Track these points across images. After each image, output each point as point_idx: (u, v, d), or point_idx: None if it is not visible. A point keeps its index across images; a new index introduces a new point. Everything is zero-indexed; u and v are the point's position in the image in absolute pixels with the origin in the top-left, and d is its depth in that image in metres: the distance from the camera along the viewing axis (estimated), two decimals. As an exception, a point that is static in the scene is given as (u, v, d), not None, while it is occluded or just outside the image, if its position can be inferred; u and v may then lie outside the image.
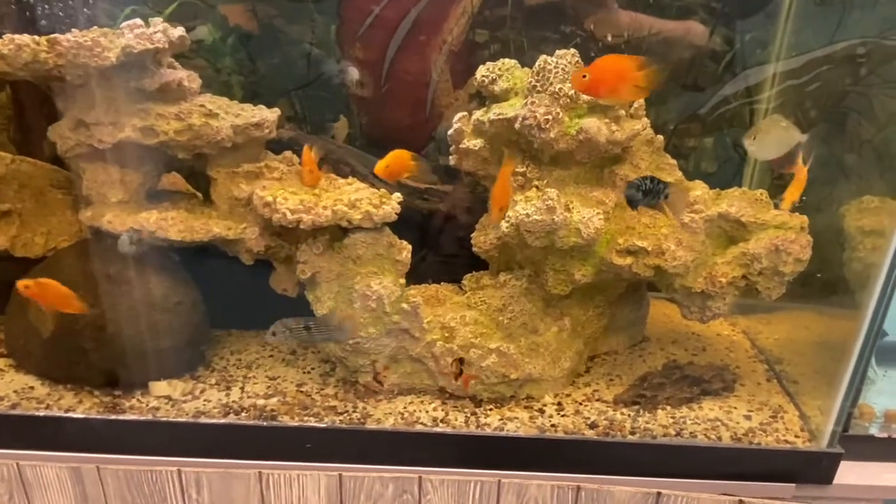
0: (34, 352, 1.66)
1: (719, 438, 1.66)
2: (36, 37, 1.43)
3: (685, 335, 2.15)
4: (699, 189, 1.75)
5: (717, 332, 2.19)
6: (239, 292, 1.94)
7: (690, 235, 1.69)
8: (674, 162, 1.79)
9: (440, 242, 2.07)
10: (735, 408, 1.78)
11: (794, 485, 1.63)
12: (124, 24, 1.53)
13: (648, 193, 1.52)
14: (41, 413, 1.59)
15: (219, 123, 1.58)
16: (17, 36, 1.41)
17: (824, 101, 2.04)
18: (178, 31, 1.56)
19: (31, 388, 1.67)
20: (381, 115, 2.20)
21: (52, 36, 1.43)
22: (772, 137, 1.68)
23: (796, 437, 1.68)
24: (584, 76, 1.43)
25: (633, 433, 1.67)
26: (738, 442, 1.66)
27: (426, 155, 2.21)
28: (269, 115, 1.68)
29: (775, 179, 2.26)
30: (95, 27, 1.57)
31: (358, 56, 2.09)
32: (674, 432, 1.68)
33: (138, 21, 1.53)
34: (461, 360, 1.70)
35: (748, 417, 1.74)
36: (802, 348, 2.05)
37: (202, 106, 1.59)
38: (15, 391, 1.65)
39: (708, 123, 2.24)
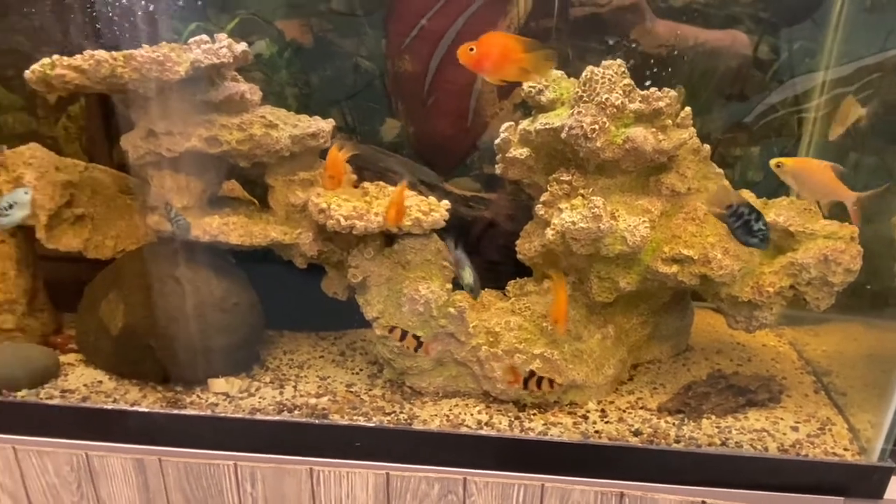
0: (103, 348, 1.77)
1: (766, 449, 1.66)
2: (114, 52, 1.53)
3: (730, 345, 2.14)
4: (746, 198, 1.76)
5: (762, 343, 2.17)
6: (291, 295, 2.02)
7: (737, 244, 1.69)
8: (720, 171, 1.80)
9: (484, 249, 2.11)
10: (781, 419, 1.77)
11: (842, 499, 1.61)
12: (192, 39, 1.62)
13: (743, 225, 1.50)
14: (109, 406, 1.69)
15: (278, 134, 1.67)
16: (96, 52, 1.52)
17: (875, 109, 2.02)
18: (241, 46, 1.65)
19: (100, 382, 1.78)
20: (426, 125, 2.27)
21: (128, 52, 1.53)
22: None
23: (845, 450, 1.66)
24: (472, 49, 1.40)
25: (677, 441, 1.68)
26: (785, 453, 1.65)
27: (470, 164, 2.27)
28: (324, 125, 1.76)
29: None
30: (164, 42, 1.68)
31: (403, 67, 2.16)
32: (719, 442, 1.67)
33: (205, 37, 1.62)
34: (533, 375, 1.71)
35: (795, 429, 1.73)
36: (851, 360, 2.02)
37: (263, 117, 1.67)
38: (85, 385, 1.76)
39: (754, 132, 2.24)
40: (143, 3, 1.79)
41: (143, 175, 1.72)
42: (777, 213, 1.71)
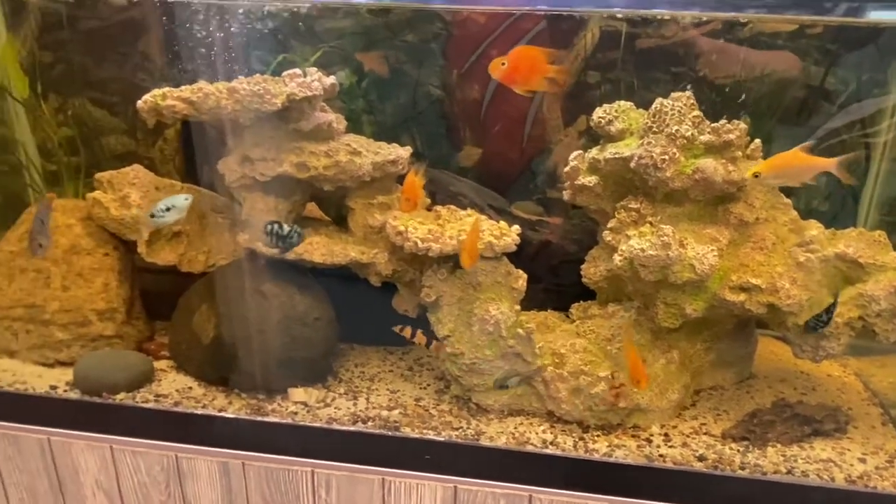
0: (194, 356, 1.90)
1: (832, 479, 1.66)
2: (218, 85, 1.67)
3: (793, 374, 2.14)
4: (814, 229, 1.78)
5: (827, 373, 2.16)
6: (361, 310, 2.12)
7: (805, 274, 1.71)
8: (788, 202, 1.82)
9: (548, 271, 2.17)
10: (848, 450, 1.76)
11: (913, 533, 1.60)
12: (286, 73, 1.75)
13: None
14: (198, 411, 1.81)
15: (361, 160, 1.78)
16: (203, 84, 1.66)
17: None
18: (331, 80, 1.77)
19: (190, 388, 1.90)
20: (483, 149, 2.35)
21: (231, 84, 1.67)
22: None
23: (917, 484, 1.65)
24: (503, 63, 1.48)
25: (742, 468, 1.69)
26: (853, 484, 1.65)
27: (530, 189, 2.34)
28: (402, 152, 1.86)
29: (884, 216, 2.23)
30: (258, 74, 1.81)
31: (463, 93, 2.25)
32: (784, 470, 1.68)
33: (298, 71, 1.75)
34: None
35: (863, 460, 1.72)
36: (921, 394, 2.00)
37: (348, 144, 1.79)
38: (177, 390, 1.89)
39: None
40: (234, 36, 1.94)
41: (235, 196, 1.86)
42: (846, 244, 1.73)
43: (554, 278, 2.15)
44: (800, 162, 1.64)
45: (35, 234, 1.72)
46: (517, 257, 1.86)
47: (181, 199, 1.73)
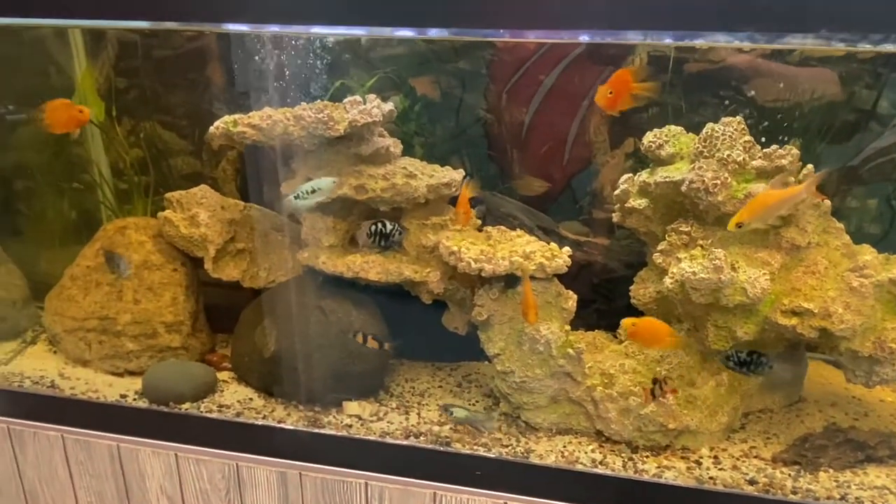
0: (255, 368, 1.98)
1: (889, 507, 1.65)
2: (284, 111, 1.76)
3: (844, 398, 2.12)
4: (868, 254, 1.77)
5: (880, 399, 2.13)
6: (412, 327, 2.18)
7: (859, 299, 1.71)
8: (841, 226, 1.82)
9: (596, 291, 2.20)
10: (905, 478, 1.75)
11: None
12: (347, 100, 1.84)
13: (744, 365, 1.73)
14: (259, 422, 1.89)
15: (417, 183, 1.85)
16: (271, 111, 1.76)
17: None
18: (389, 106, 1.85)
19: (251, 399, 1.99)
20: (524, 168, 2.40)
21: (297, 111, 1.76)
22: None
23: (977, 514, 1.62)
24: (610, 93, 1.58)
25: (794, 493, 1.69)
26: (910, 513, 1.63)
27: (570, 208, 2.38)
28: (455, 175, 1.93)
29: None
30: (320, 101, 1.90)
31: (505, 115, 2.30)
32: (837, 496, 1.67)
33: (358, 98, 1.83)
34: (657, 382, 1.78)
35: (920, 489, 1.71)
36: (980, 422, 1.96)
37: (404, 168, 1.86)
38: (238, 401, 1.97)
39: (865, 178, 2.22)
40: (294, 63, 2.04)
41: (296, 216, 1.94)
42: (901, 269, 1.72)
43: (601, 298, 2.18)
44: (775, 199, 1.64)
45: (117, 270, 1.84)
46: (566, 277, 1.90)
47: (328, 182, 1.77)
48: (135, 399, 1.97)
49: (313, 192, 1.75)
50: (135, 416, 1.94)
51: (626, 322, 1.75)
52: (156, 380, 1.94)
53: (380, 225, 1.78)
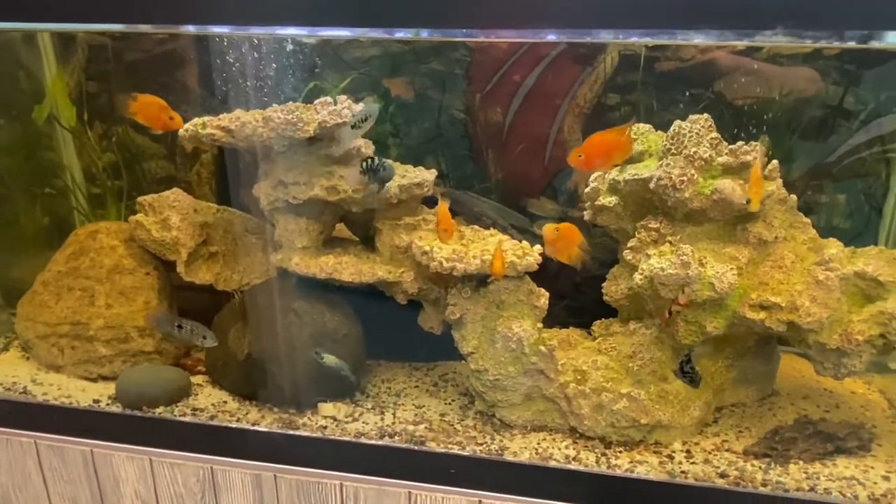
0: (229, 371, 1.98)
1: (856, 497, 1.66)
2: (254, 113, 1.77)
3: (816, 391, 2.14)
4: (834, 247, 1.80)
5: (850, 390, 2.16)
6: (388, 327, 2.19)
7: (825, 292, 1.73)
8: (807, 220, 1.85)
9: (569, 289, 2.21)
10: (872, 468, 1.77)
11: (939, 552, 1.60)
12: (317, 101, 1.84)
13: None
14: (233, 425, 1.88)
15: (388, 183, 1.85)
16: (240, 113, 1.76)
17: None
18: (360, 107, 1.85)
19: (225, 402, 1.98)
20: (503, 169, 2.42)
21: (267, 113, 1.76)
22: None
23: (942, 502, 1.65)
24: (580, 156, 1.65)
25: (764, 485, 1.71)
26: (877, 502, 1.65)
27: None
28: (428, 175, 1.94)
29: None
30: (291, 102, 1.91)
31: (484, 115, 2.32)
32: (807, 487, 1.69)
33: (329, 99, 1.84)
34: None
35: (886, 478, 1.73)
36: (947, 412, 1.99)
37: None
38: (212, 404, 1.97)
39: (837, 175, 2.26)
40: (267, 65, 2.04)
41: (269, 218, 1.94)
42: (865, 262, 1.74)
43: (575, 296, 2.20)
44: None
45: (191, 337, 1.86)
46: (538, 275, 1.91)
47: (374, 107, 1.76)
48: (108, 404, 1.97)
49: (365, 120, 1.73)
50: (108, 421, 1.93)
51: (549, 228, 1.76)
52: (129, 384, 1.93)
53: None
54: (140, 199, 2.05)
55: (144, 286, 2.04)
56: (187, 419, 1.90)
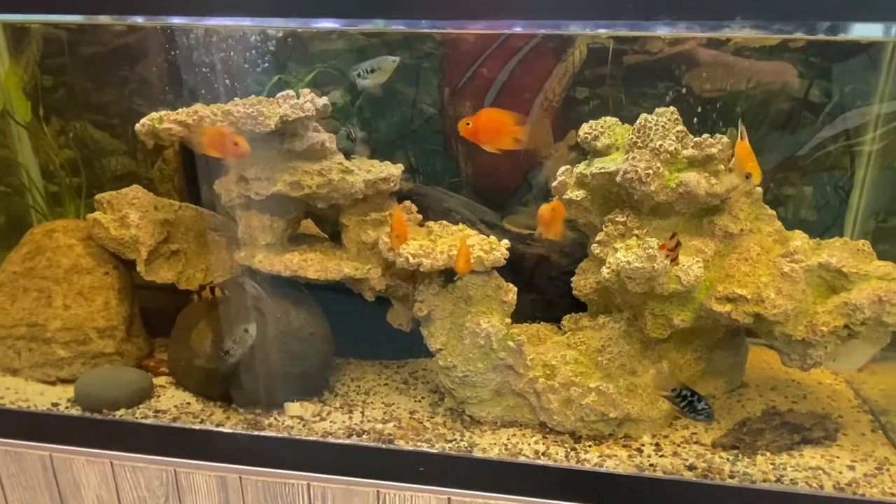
0: (192, 372, 1.94)
1: (821, 487, 1.68)
2: (213, 107, 1.72)
3: (784, 382, 2.16)
4: (799, 239, 1.81)
5: (818, 381, 2.18)
6: (359, 325, 2.16)
7: (790, 284, 1.74)
8: (773, 213, 1.86)
9: (540, 284, 2.20)
10: (837, 457, 1.78)
11: (901, 540, 1.62)
12: (279, 94, 1.80)
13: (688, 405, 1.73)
14: (196, 427, 1.84)
15: (353, 178, 1.82)
16: (198, 107, 1.71)
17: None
18: (323, 101, 1.82)
19: (189, 403, 1.94)
20: (479, 164, 2.40)
21: (226, 107, 1.72)
22: (850, 355, 1.76)
23: (905, 490, 1.67)
24: (468, 124, 1.64)
25: (731, 477, 1.71)
26: (842, 492, 1.66)
27: (526, 203, 2.38)
28: (394, 170, 1.91)
29: (880, 222, 2.26)
30: (253, 96, 1.86)
31: (458, 109, 2.30)
32: (773, 478, 1.70)
33: (291, 92, 1.80)
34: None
35: (851, 468, 1.74)
36: (910, 400, 2.02)
37: (340, 163, 1.83)
38: (175, 406, 1.92)
39: (805, 168, 2.28)
40: (231, 58, 2.00)
41: (232, 215, 1.90)
42: (830, 253, 1.76)
43: (546, 291, 2.19)
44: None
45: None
46: (508, 270, 1.90)
47: (388, 61, 1.69)
48: (67, 407, 1.91)
49: (372, 71, 1.68)
50: (67, 425, 1.88)
51: (545, 209, 1.81)
52: (88, 387, 1.88)
53: (343, 129, 1.79)
54: (98, 196, 1.99)
55: (104, 286, 1.98)
56: (149, 421, 1.86)
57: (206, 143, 1.73)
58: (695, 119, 2.06)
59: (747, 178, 1.65)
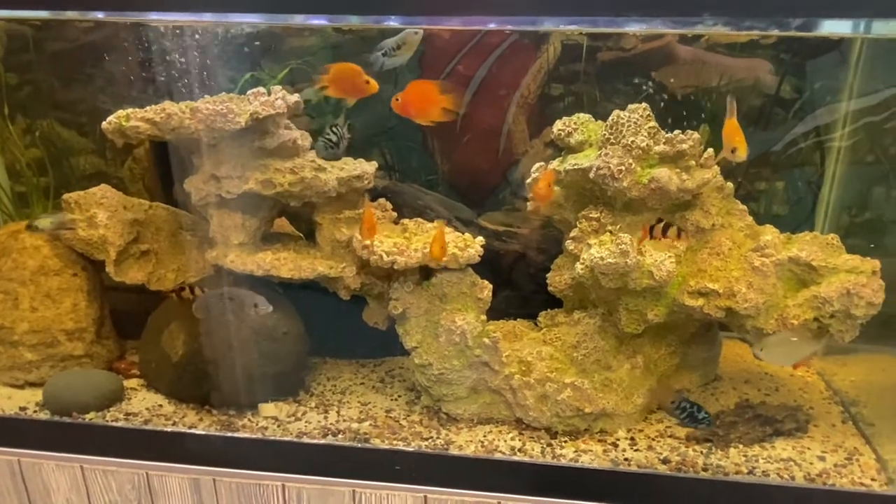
0: (164, 374, 1.91)
1: (792, 478, 1.70)
2: (182, 105, 1.70)
3: (758, 375, 2.19)
4: (769, 234, 1.83)
5: (790, 373, 2.21)
6: (333, 324, 2.14)
7: (761, 278, 1.76)
8: (744, 208, 1.88)
9: (516, 281, 2.21)
10: (808, 448, 1.81)
11: (870, 528, 1.65)
12: (250, 91, 1.78)
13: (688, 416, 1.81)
14: (168, 429, 1.82)
15: (326, 176, 1.81)
16: (167, 105, 1.69)
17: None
18: (295, 97, 1.80)
19: (161, 406, 1.91)
20: (460, 162, 2.39)
21: (194, 104, 1.69)
22: (782, 349, 1.78)
23: (872, 480, 1.69)
24: (397, 99, 1.65)
25: (705, 469, 1.73)
26: (812, 482, 1.69)
27: (502, 200, 2.38)
28: (368, 168, 1.90)
29: (853, 216, 2.29)
30: (224, 93, 1.84)
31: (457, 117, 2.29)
32: (746, 470, 1.72)
33: (262, 90, 1.78)
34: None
35: (822, 458, 1.77)
36: (880, 391, 2.05)
37: (312, 161, 1.82)
38: (147, 408, 1.89)
39: (778, 166, 2.30)
40: (202, 55, 1.97)
41: (203, 214, 1.88)
42: (800, 248, 1.78)
43: (522, 287, 2.19)
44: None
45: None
46: (485, 268, 1.89)
47: (412, 34, 1.65)
48: (35, 411, 1.87)
49: (399, 47, 1.64)
50: (36, 429, 1.84)
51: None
52: (56, 390, 1.85)
53: (322, 139, 1.79)
54: (66, 196, 1.95)
55: (72, 288, 1.94)
56: (120, 424, 1.83)
57: (334, 82, 1.67)
58: (668, 115, 2.08)
59: (733, 152, 1.66)
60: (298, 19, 1.81)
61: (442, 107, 1.64)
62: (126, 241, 1.93)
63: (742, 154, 1.66)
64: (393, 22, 1.88)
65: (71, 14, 1.92)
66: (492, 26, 2.10)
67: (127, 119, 1.70)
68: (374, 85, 1.69)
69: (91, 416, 1.85)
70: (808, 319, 1.74)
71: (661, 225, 1.73)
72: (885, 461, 1.75)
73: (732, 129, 1.66)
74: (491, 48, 2.24)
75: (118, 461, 1.80)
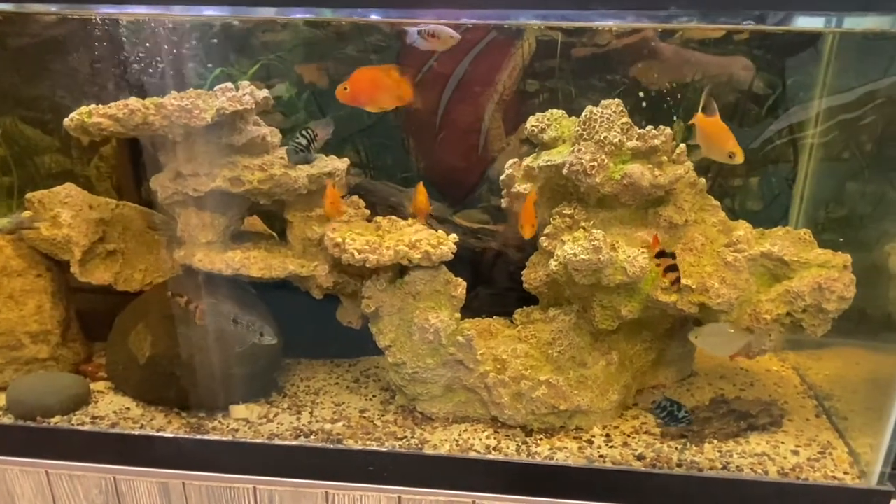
0: (131, 376, 1.87)
1: (766, 473, 1.70)
2: (146, 101, 1.66)
3: (733, 370, 2.19)
4: (742, 229, 1.83)
5: (766, 368, 2.22)
6: (307, 324, 2.11)
7: (734, 273, 1.76)
8: (717, 203, 1.87)
9: (491, 278, 2.19)
10: (782, 443, 1.81)
11: (843, 522, 1.65)
12: (217, 87, 1.75)
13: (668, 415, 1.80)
14: (136, 432, 1.78)
15: (296, 173, 1.78)
16: (130, 101, 1.65)
17: (878, 135, 2.07)
18: (263, 93, 1.77)
19: (128, 409, 1.87)
20: (438, 160, 2.37)
21: (158, 100, 1.66)
22: (716, 339, 1.77)
23: (845, 473, 1.70)
24: (346, 88, 1.59)
25: (679, 465, 1.73)
26: (785, 477, 1.69)
27: (478, 197, 2.37)
28: (339, 164, 1.87)
29: (829, 212, 2.31)
30: (191, 89, 1.80)
31: (415, 104, 2.27)
32: (720, 465, 1.72)
33: (229, 84, 1.75)
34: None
35: (796, 453, 1.78)
36: (853, 384, 2.06)
37: (282, 158, 1.79)
38: (114, 412, 1.85)
39: (753, 162, 2.31)
40: (170, 50, 1.93)
41: (170, 213, 1.84)
42: (772, 243, 1.78)
43: (498, 284, 2.17)
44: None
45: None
46: (459, 264, 1.88)
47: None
48: (-2, 416, 1.83)
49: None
50: (-1, 435, 1.80)
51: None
52: (19, 393, 1.80)
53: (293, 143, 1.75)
54: (28, 195, 1.90)
55: (36, 289, 1.89)
56: (86, 428, 1.79)
57: (361, 91, 1.59)
58: (642, 111, 2.07)
59: (731, 157, 1.58)
60: (270, 12, 1.78)
61: (394, 93, 1.60)
62: (91, 240, 1.89)
63: (740, 158, 1.59)
64: (372, 15, 1.87)
65: (35, 7, 1.88)
66: (464, 20, 2.08)
67: (89, 115, 1.66)
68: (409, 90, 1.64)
69: (56, 420, 1.80)
70: (780, 314, 1.75)
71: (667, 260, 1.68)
72: (857, 455, 1.76)
73: (720, 131, 1.59)
74: (468, 45, 2.23)
75: (84, 465, 1.76)
